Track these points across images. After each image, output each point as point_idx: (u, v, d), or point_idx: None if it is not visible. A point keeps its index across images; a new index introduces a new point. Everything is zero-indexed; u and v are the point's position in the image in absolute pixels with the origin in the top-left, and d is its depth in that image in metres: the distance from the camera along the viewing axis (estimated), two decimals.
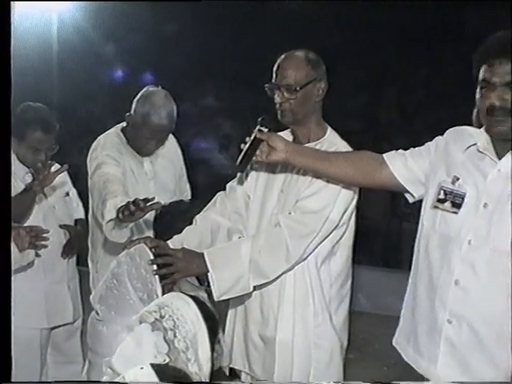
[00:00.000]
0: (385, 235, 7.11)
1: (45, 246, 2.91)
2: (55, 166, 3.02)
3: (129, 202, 2.68)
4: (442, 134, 2.37)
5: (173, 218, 2.95)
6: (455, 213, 2.19)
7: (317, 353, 2.61)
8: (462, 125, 2.34)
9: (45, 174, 2.90)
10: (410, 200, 2.44)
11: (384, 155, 2.43)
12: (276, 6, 8.34)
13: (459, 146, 2.25)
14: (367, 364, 4.59)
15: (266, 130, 2.43)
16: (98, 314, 2.32)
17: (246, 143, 2.41)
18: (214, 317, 1.81)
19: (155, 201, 2.66)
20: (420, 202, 2.44)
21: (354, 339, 2.76)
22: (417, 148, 2.40)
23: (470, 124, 2.69)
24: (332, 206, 2.52)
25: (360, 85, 8.58)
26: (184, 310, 1.74)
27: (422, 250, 2.31)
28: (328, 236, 2.56)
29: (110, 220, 2.83)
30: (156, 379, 1.47)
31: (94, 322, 2.36)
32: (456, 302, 2.17)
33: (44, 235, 2.78)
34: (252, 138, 2.40)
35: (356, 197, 2.60)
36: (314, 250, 2.55)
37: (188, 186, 3.66)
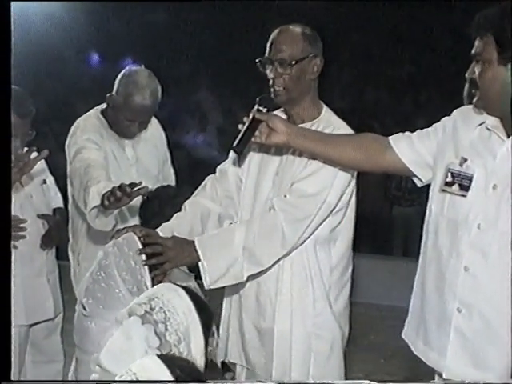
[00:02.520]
0: (375, 220, 7.10)
1: (22, 237, 2.89)
2: (33, 153, 2.97)
3: (114, 187, 2.66)
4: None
5: (161, 204, 2.94)
6: (463, 196, 2.20)
7: (317, 343, 2.60)
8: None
9: (25, 160, 2.84)
10: (419, 184, 2.43)
11: (389, 138, 2.42)
12: None
13: (468, 125, 2.26)
14: (363, 357, 4.52)
15: (265, 109, 2.40)
16: (84, 308, 2.30)
17: (243, 124, 2.37)
18: (207, 308, 1.79)
19: (142, 185, 2.65)
20: (414, 185, 2.46)
21: None
22: (424, 129, 2.40)
23: (461, 101, 2.72)
24: (329, 189, 2.51)
25: (347, 63, 8.61)
26: (175, 302, 1.72)
27: (430, 236, 2.31)
28: (325, 220, 2.55)
29: (94, 207, 2.81)
30: (165, 368, 1.43)
31: (81, 317, 2.33)
32: (466, 289, 2.18)
33: (21, 225, 2.77)
34: (250, 118, 2.37)
35: (354, 179, 2.60)
36: (311, 234, 2.54)
37: (172, 171, 3.64)
